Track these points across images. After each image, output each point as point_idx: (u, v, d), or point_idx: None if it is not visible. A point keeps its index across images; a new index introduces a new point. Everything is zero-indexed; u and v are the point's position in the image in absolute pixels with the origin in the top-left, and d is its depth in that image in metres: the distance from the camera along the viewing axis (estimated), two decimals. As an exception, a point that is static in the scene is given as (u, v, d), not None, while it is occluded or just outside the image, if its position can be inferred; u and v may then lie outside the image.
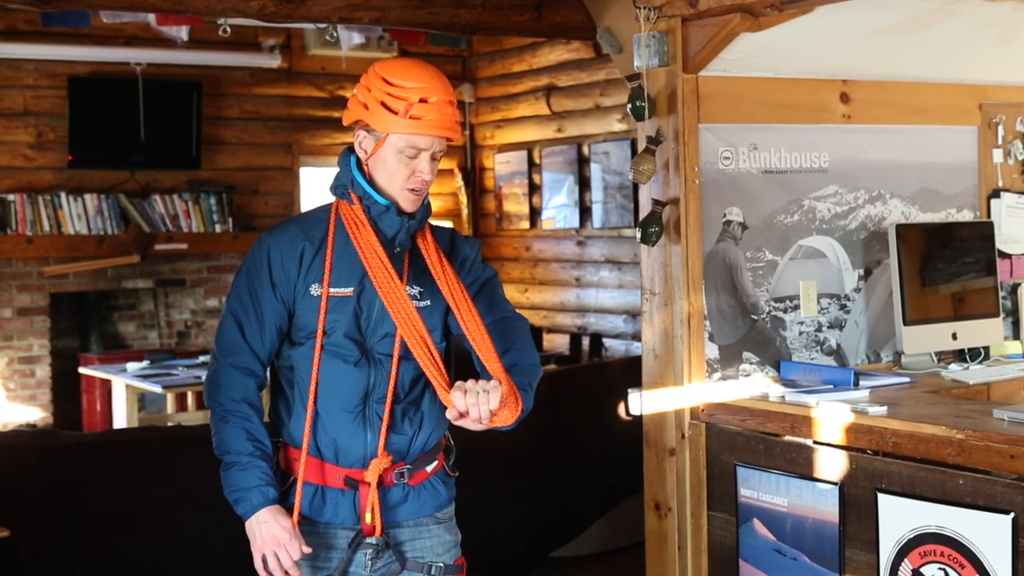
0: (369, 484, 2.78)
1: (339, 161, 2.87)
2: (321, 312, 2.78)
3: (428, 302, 2.84)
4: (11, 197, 8.28)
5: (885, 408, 3.53)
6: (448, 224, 9.58)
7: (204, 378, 2.92)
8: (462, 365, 2.96)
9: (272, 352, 2.86)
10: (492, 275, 2.98)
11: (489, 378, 2.67)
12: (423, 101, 2.72)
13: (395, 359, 2.80)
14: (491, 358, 2.69)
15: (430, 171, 2.77)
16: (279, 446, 2.89)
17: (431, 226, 2.92)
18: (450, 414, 2.64)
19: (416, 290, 2.84)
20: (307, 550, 2.74)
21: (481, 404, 2.59)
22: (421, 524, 2.88)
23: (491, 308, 2.90)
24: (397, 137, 2.74)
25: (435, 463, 2.90)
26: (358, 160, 2.83)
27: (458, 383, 2.64)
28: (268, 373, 2.90)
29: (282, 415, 2.88)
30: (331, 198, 2.89)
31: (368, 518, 2.79)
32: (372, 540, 2.81)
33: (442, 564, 2.87)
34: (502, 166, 9.96)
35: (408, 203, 2.79)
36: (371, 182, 2.80)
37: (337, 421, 2.80)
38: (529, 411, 2.74)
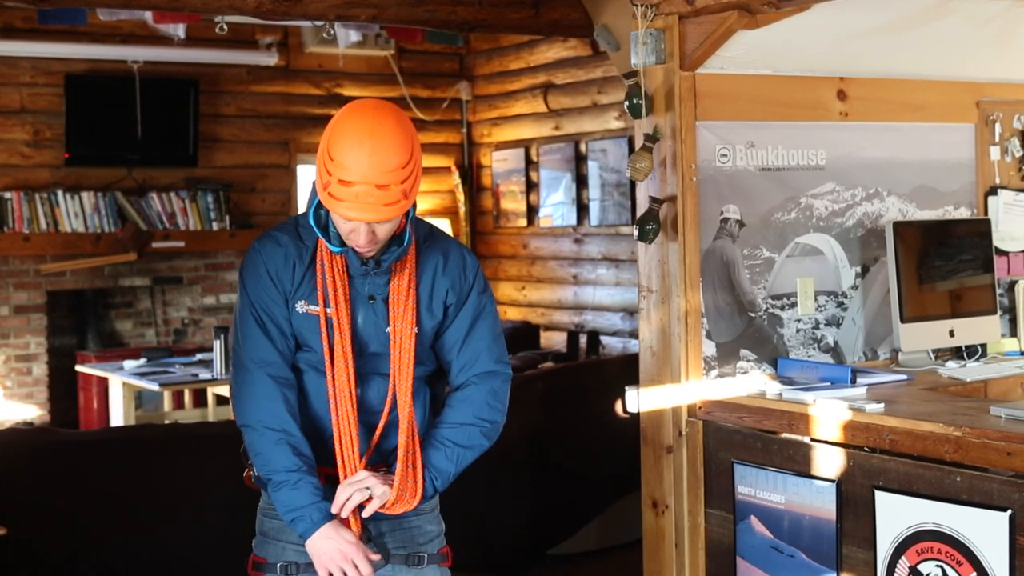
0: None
1: (311, 186, 2.79)
2: (306, 328, 2.79)
3: (415, 329, 2.82)
4: (8, 195, 8.28)
5: (882, 405, 3.53)
6: (445, 224, 9.58)
7: (233, 391, 2.85)
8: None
9: (294, 357, 2.84)
10: (485, 312, 2.90)
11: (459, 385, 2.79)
12: (344, 183, 2.58)
13: (391, 377, 2.80)
14: (405, 429, 2.77)
15: (366, 235, 2.66)
16: None
17: (424, 241, 2.86)
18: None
19: None
20: (375, 558, 2.76)
21: (352, 502, 2.72)
22: (402, 517, 2.88)
23: (474, 360, 2.87)
24: None
25: None
26: None
27: (359, 473, 2.74)
28: None
29: None
30: None
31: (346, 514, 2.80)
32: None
33: (424, 554, 2.89)
34: (499, 164, 9.96)
35: (361, 253, 2.74)
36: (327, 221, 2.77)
37: (320, 432, 2.81)
38: (441, 490, 2.84)
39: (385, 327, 2.79)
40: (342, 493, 2.72)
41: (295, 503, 2.71)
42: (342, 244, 2.74)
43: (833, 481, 3.52)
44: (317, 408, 2.83)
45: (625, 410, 4.26)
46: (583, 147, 9.11)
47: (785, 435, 3.71)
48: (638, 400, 4.11)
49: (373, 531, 2.84)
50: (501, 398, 2.89)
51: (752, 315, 4.11)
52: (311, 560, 2.80)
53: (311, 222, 2.76)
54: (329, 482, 2.81)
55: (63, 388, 8.54)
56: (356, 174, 2.57)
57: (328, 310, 2.77)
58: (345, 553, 2.71)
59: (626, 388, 4.16)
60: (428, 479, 2.79)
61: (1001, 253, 4.70)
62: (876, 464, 3.42)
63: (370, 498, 2.73)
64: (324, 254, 2.78)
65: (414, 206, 2.77)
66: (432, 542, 2.92)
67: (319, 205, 2.76)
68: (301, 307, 2.79)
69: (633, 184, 4.25)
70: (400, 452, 2.75)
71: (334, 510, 2.72)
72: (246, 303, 2.81)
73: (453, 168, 10.19)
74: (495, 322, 2.93)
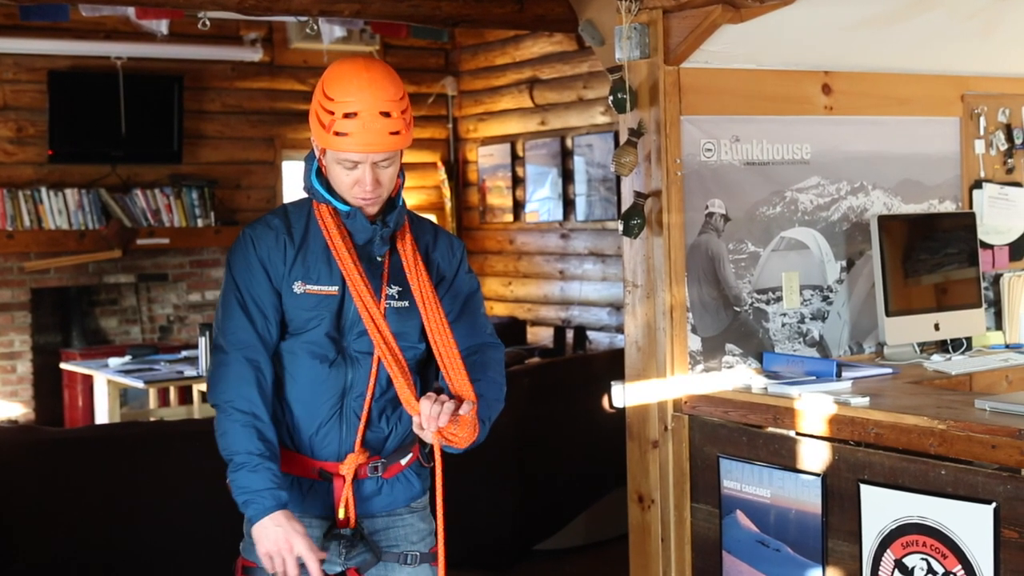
0: (343, 477, 2.78)
1: (305, 162, 2.84)
2: (305, 309, 2.77)
3: (406, 303, 2.82)
4: (-9, 192, 8.25)
5: (867, 399, 3.53)
6: (432, 219, 9.57)
7: (209, 371, 2.84)
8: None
9: (277, 344, 2.82)
10: (475, 289, 2.97)
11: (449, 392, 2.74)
12: (348, 116, 2.63)
13: (374, 357, 2.78)
14: (460, 375, 2.72)
15: (371, 182, 2.69)
16: None
17: (412, 221, 2.90)
18: (415, 424, 2.68)
19: (395, 290, 2.82)
20: (322, 555, 2.71)
21: (444, 412, 2.63)
22: (395, 514, 2.88)
23: (472, 331, 2.90)
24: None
25: (409, 455, 2.89)
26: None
27: (429, 394, 2.68)
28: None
29: None
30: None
31: (341, 513, 2.78)
32: (346, 531, 2.80)
33: (417, 553, 2.88)
34: (485, 159, 9.95)
35: (364, 208, 2.75)
36: (330, 187, 2.79)
37: (313, 418, 2.79)
38: (482, 440, 2.78)
39: (379, 297, 2.78)
40: (432, 407, 2.64)
41: (251, 486, 2.68)
42: (347, 204, 2.76)
43: (818, 475, 3.52)
44: (310, 395, 2.80)
45: (611, 405, 4.25)
46: (569, 142, 9.10)
47: (771, 429, 3.71)
48: (624, 395, 4.11)
49: (366, 529, 2.83)
50: (503, 365, 2.94)
51: (737, 309, 4.11)
52: (303, 563, 2.79)
53: (315, 185, 2.77)
54: (323, 477, 2.80)
55: (48, 386, 8.51)
56: (359, 103, 2.64)
57: (335, 288, 2.76)
58: (292, 543, 2.65)
59: (612, 383, 4.16)
60: (480, 420, 2.75)
61: (986, 246, 4.71)
62: (861, 458, 3.42)
63: (456, 410, 2.68)
64: (328, 226, 2.77)
65: (403, 176, 2.83)
66: (424, 540, 2.92)
67: (318, 172, 2.79)
68: (299, 288, 2.78)
69: (619, 179, 4.24)
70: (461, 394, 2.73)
71: (427, 423, 2.64)
72: (231, 285, 2.80)
73: (439, 164, 10.18)
74: (482, 302, 3.02)
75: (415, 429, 2.69)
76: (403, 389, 2.69)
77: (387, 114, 2.65)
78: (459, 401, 2.70)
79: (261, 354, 2.77)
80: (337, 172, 2.72)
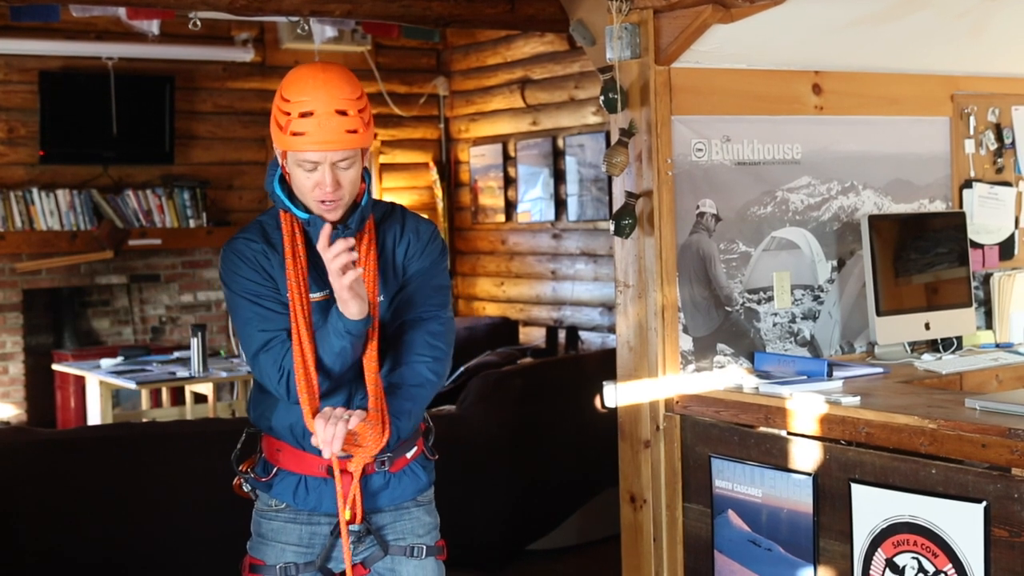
0: (351, 473, 2.78)
1: (268, 169, 2.84)
2: (296, 315, 2.77)
3: (381, 298, 2.83)
4: (-18, 193, 8.23)
5: (858, 399, 3.54)
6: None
7: (250, 397, 2.93)
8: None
9: None
10: (433, 263, 2.90)
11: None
12: (304, 115, 2.64)
13: (372, 355, 2.79)
14: (371, 379, 2.73)
15: (331, 183, 2.68)
16: (261, 436, 2.91)
17: (384, 216, 2.89)
18: (312, 440, 2.68)
19: None
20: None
21: (337, 437, 2.62)
22: (402, 508, 2.91)
23: (412, 304, 2.86)
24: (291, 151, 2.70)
25: (415, 448, 2.92)
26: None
27: (325, 410, 2.67)
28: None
29: (263, 408, 2.88)
30: None
31: (347, 515, 2.79)
32: (354, 527, 2.82)
33: (424, 546, 2.91)
34: (477, 159, 9.95)
35: (325, 214, 2.74)
36: (291, 193, 2.78)
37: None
38: (406, 435, 2.78)
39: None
40: (325, 429, 2.64)
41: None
42: (308, 212, 2.75)
43: (810, 474, 3.53)
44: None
45: (603, 405, 4.26)
46: (560, 142, 9.11)
47: (762, 429, 3.72)
48: (616, 395, 4.11)
49: (374, 524, 2.85)
50: (441, 336, 2.87)
51: (729, 309, 4.12)
52: (311, 560, 2.83)
53: (277, 192, 2.77)
54: (331, 475, 2.79)
55: (40, 387, 8.50)
56: (314, 101, 2.64)
57: (326, 292, 2.76)
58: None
59: (604, 383, 4.17)
60: (392, 420, 2.75)
61: (976, 246, 4.72)
62: (852, 457, 3.43)
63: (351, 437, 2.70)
64: (287, 233, 2.77)
65: (369, 176, 2.82)
66: (430, 533, 2.95)
67: (280, 179, 2.79)
68: (287, 296, 2.78)
69: (610, 179, 4.25)
70: (369, 402, 2.74)
71: (323, 447, 2.65)
72: (237, 301, 2.80)
73: (431, 164, 10.18)
74: (437, 276, 2.92)
75: (313, 442, 2.69)
76: (304, 405, 2.70)
77: (344, 112, 2.65)
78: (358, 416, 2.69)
79: (285, 342, 2.76)
80: (298, 175, 2.72)
